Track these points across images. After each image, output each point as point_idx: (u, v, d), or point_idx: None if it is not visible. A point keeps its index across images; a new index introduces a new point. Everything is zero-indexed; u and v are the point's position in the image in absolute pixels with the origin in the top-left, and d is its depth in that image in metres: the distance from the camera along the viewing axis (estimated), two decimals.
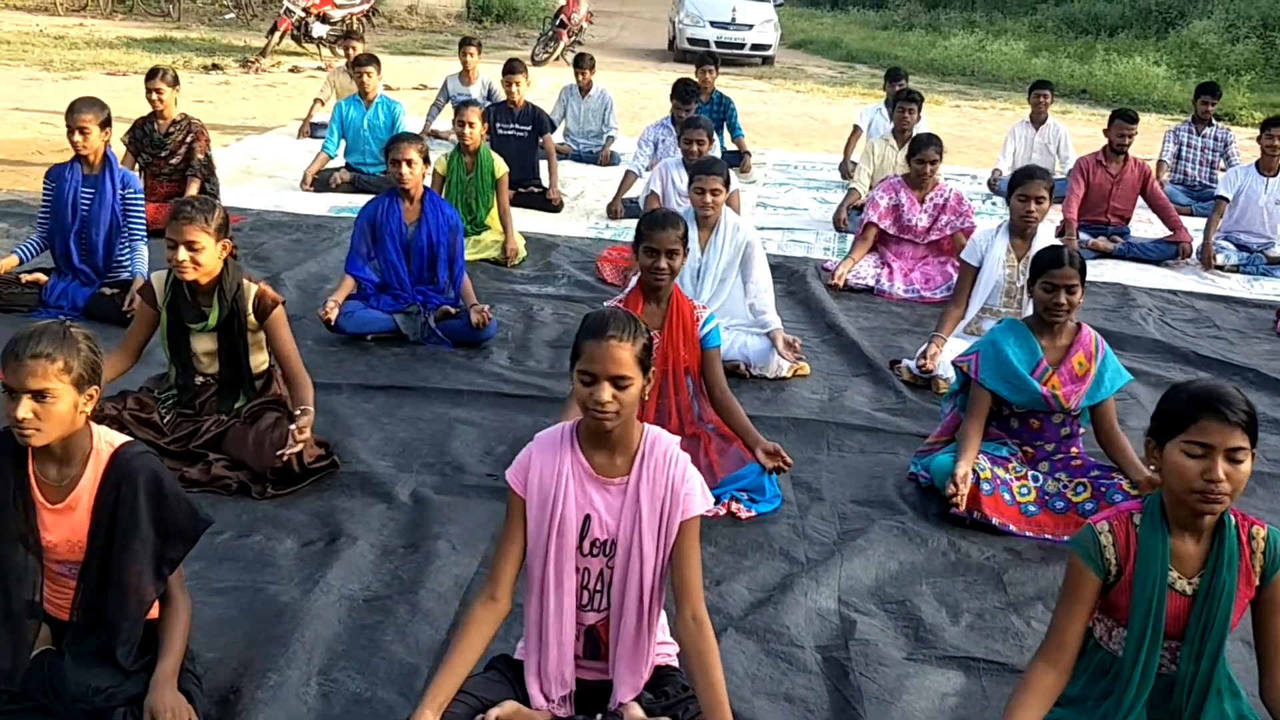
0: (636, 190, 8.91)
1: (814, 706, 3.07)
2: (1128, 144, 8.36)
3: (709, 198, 5.40)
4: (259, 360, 4.37)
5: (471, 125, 7.16)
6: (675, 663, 2.97)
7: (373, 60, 8.98)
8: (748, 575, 3.69)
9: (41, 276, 5.84)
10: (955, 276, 6.99)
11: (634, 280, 6.10)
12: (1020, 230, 5.58)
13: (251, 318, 4.22)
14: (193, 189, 7.29)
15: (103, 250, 5.81)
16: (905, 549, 3.93)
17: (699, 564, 2.76)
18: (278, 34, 16.41)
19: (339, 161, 9.15)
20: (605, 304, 4.39)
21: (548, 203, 8.74)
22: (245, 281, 4.24)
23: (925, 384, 5.51)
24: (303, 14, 16.60)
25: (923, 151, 7.04)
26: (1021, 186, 5.50)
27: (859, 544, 3.90)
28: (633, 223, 8.39)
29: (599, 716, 2.80)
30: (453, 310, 5.71)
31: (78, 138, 5.69)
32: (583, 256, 7.50)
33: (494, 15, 25.56)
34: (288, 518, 3.87)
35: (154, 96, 7.26)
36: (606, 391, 2.62)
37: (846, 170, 10.60)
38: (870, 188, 8.72)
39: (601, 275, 7.08)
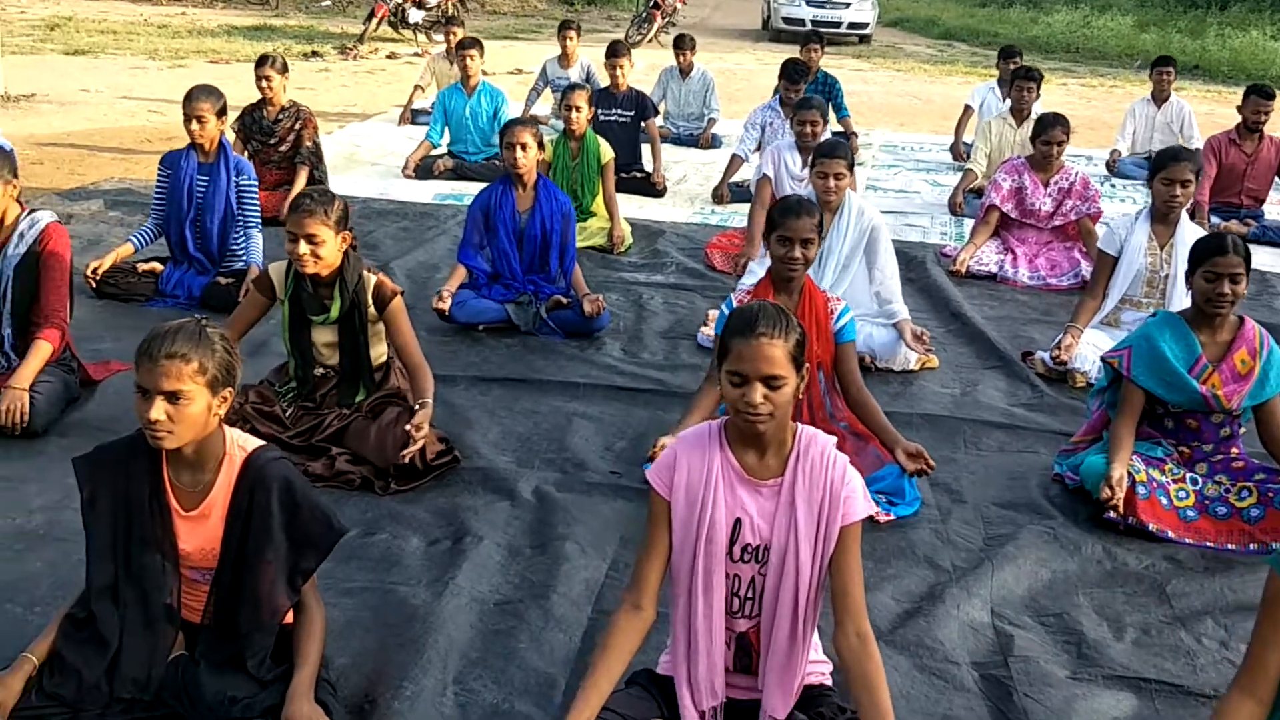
0: (743, 174, 8.74)
1: None
2: (1264, 121, 7.95)
3: (832, 181, 5.20)
4: (378, 352, 4.29)
5: (578, 110, 7.02)
6: (829, 682, 2.81)
7: (475, 44, 8.88)
8: (892, 584, 3.50)
9: (157, 265, 5.84)
10: (1082, 263, 6.75)
11: (749, 269, 5.96)
12: (1163, 216, 5.28)
13: (371, 309, 4.14)
14: (301, 176, 7.29)
15: (217, 238, 5.79)
16: (1057, 557, 3.70)
17: (860, 574, 2.59)
18: (375, 20, 16.47)
19: (441, 149, 9.09)
20: (732, 296, 4.23)
21: (651, 187, 8.59)
22: (365, 273, 4.16)
23: (1060, 378, 5.25)
24: (400, 0, 16.62)
25: (1048, 132, 6.73)
26: (1165, 170, 5.20)
27: (1008, 550, 3.68)
28: (739, 208, 8.32)
29: None
30: (564, 300, 5.59)
31: (195, 126, 5.67)
32: (690, 243, 7.33)
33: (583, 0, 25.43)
34: (412, 515, 3.77)
35: (263, 84, 7.25)
36: (759, 392, 2.46)
37: (958, 151, 10.28)
38: (987, 169, 8.44)
39: (711, 262, 6.90)
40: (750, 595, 2.64)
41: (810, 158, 6.74)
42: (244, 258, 5.85)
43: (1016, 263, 6.88)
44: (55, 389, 4.30)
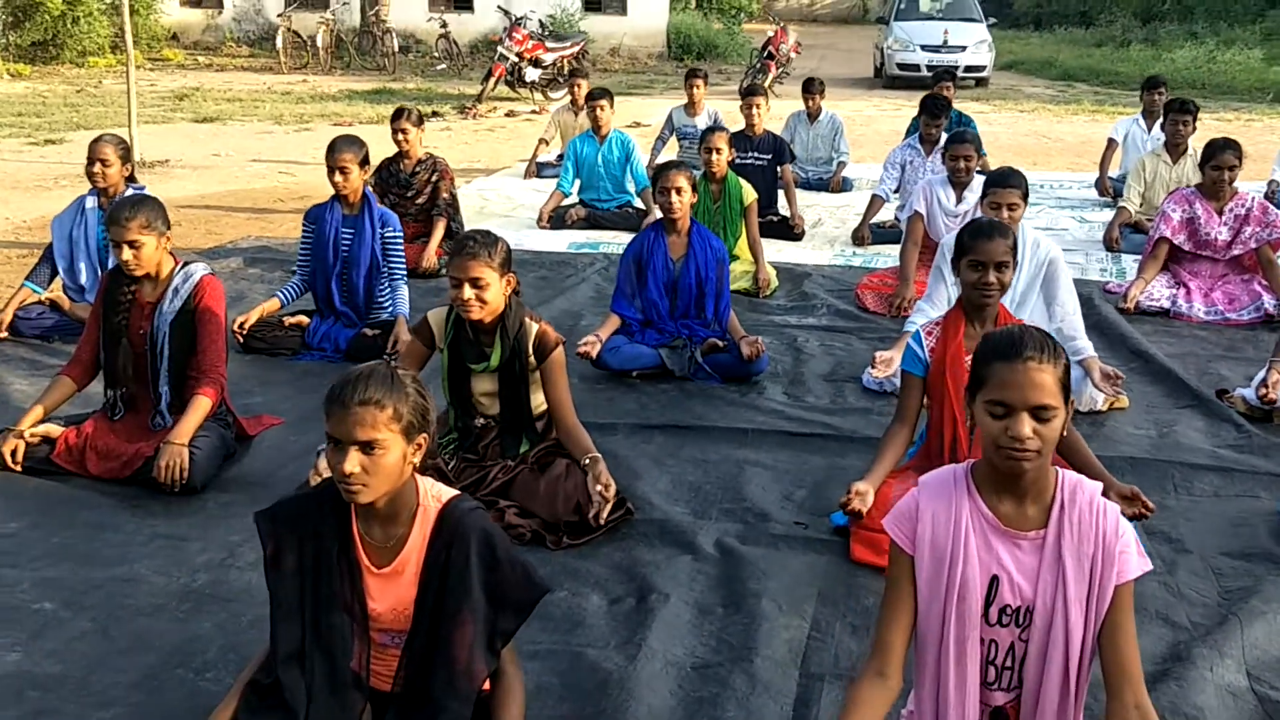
0: (883, 215, 8.45)
1: None
2: None
3: (1005, 212, 4.89)
4: (538, 401, 4.08)
5: (719, 151, 6.82)
6: None
7: (605, 94, 8.78)
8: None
9: (304, 319, 5.76)
10: (1264, 296, 6.33)
11: (918, 307, 5.65)
12: None
13: (532, 358, 3.94)
14: (439, 228, 7.23)
15: (364, 291, 5.69)
16: None
17: (1135, 639, 2.26)
18: (493, 80, 16.61)
19: (573, 199, 8.98)
20: (919, 329, 3.94)
21: (789, 230, 8.35)
22: (527, 320, 3.97)
23: (1266, 416, 4.83)
24: (516, 59, 16.77)
25: (1219, 156, 6.33)
26: None
27: (1254, 605, 3.30)
28: (881, 249, 8.02)
29: None
30: (720, 344, 5.34)
31: (338, 178, 5.59)
32: (837, 285, 7.05)
33: (694, 53, 25.47)
34: (589, 570, 3.54)
35: (399, 136, 7.22)
36: (1027, 425, 2.17)
37: (1104, 186, 9.83)
38: (1141, 206, 8.03)
39: (863, 304, 6.60)
40: (1009, 664, 2.33)
41: (962, 192, 6.49)
42: (390, 309, 5.74)
43: (1191, 297, 6.45)
44: (213, 444, 4.18)
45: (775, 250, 7.81)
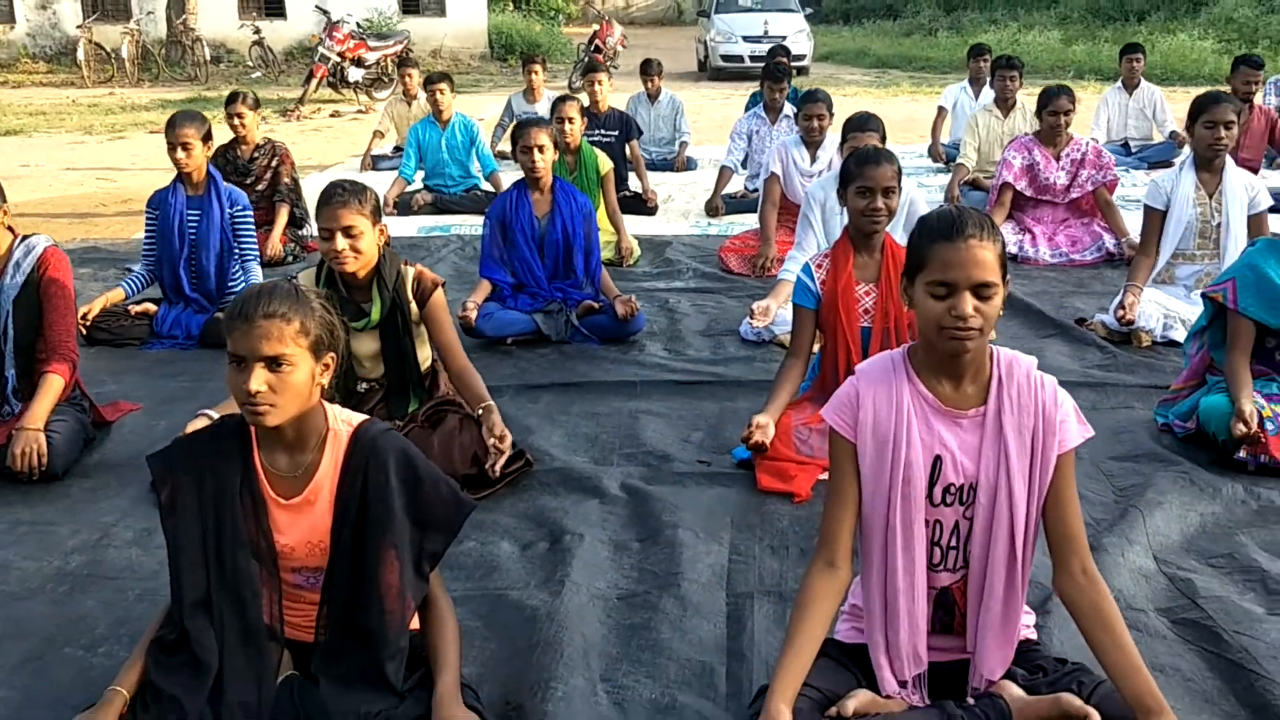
0: (733, 186, 8.52)
1: (1192, 674, 2.57)
2: (1254, 91, 7.89)
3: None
4: (424, 356, 3.94)
5: (571, 121, 6.72)
6: (1034, 636, 2.49)
7: (445, 78, 8.59)
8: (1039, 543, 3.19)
9: (151, 307, 5.42)
10: (1104, 237, 6.59)
11: (790, 256, 5.67)
12: (1208, 162, 5.08)
13: (414, 306, 3.79)
14: (282, 215, 6.94)
15: (215, 275, 5.39)
16: (1200, 500, 3.43)
17: (1079, 507, 2.28)
18: (315, 81, 16.12)
19: (416, 184, 8.77)
20: (809, 262, 3.93)
21: (642, 205, 8.32)
22: (402, 266, 3.82)
23: (1124, 339, 5.02)
24: (338, 59, 16.32)
25: (1054, 102, 6.57)
26: (1207, 113, 5.01)
27: (1150, 497, 3.41)
28: (735, 219, 8.06)
29: (970, 699, 2.31)
30: (596, 305, 5.26)
31: (180, 155, 5.28)
32: (699, 251, 7.05)
33: (517, 53, 25.30)
34: (495, 521, 3.40)
35: (235, 121, 6.91)
36: (968, 303, 2.15)
37: (937, 153, 10.14)
38: (978, 162, 8.29)
39: (727, 266, 6.61)
40: (954, 544, 2.31)
41: (816, 151, 6.58)
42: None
43: (1036, 242, 6.69)
44: (72, 428, 3.88)
45: (631, 225, 7.75)
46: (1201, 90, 5.30)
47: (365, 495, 2.34)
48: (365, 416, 2.45)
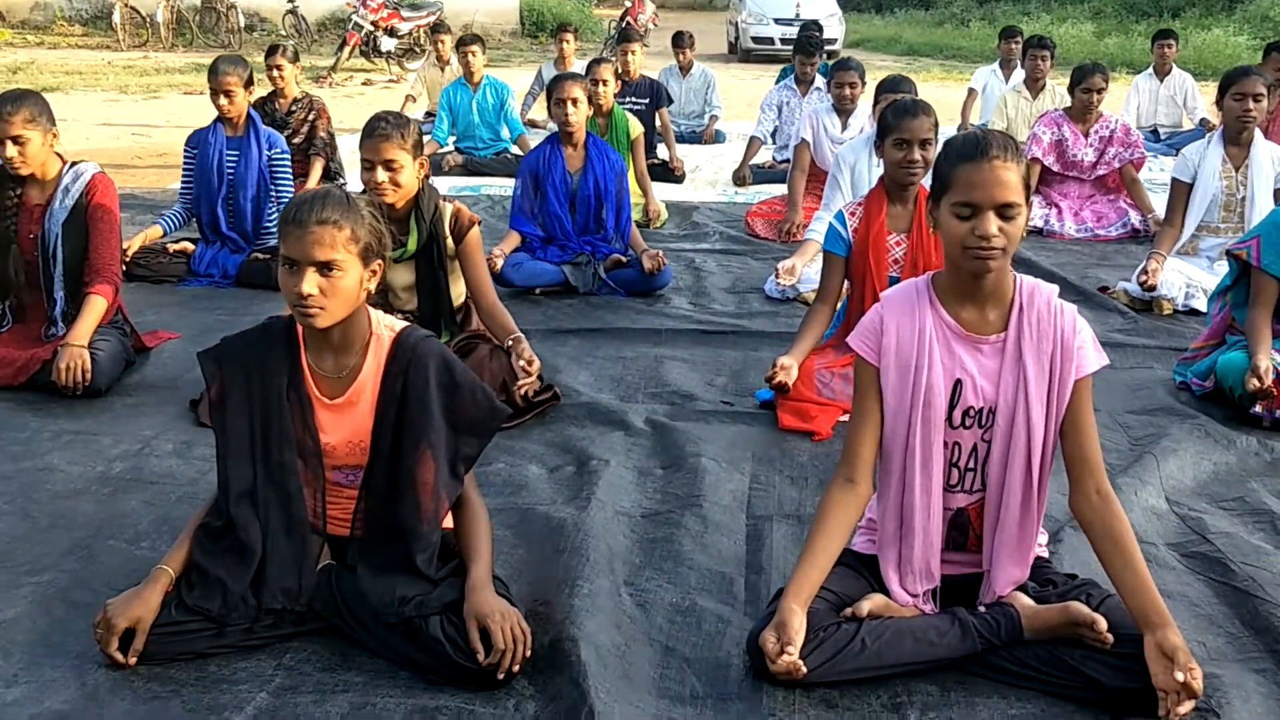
0: (761, 156, 8.58)
1: (1198, 600, 2.65)
2: None
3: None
4: (458, 291, 4.04)
5: (605, 83, 6.80)
6: (1045, 553, 2.57)
7: (476, 39, 8.69)
8: (1055, 480, 3.26)
9: (189, 245, 5.54)
10: (1130, 213, 6.62)
11: (816, 216, 5.74)
12: (1235, 135, 5.12)
13: (450, 241, 3.88)
14: (316, 168, 7.03)
15: (251, 215, 5.51)
16: (1214, 450, 3.50)
17: (1095, 430, 2.36)
18: (347, 49, 16.23)
19: (448, 147, 8.86)
20: (842, 210, 4.00)
21: (670, 173, 8.39)
22: (441, 201, 3.91)
23: (1146, 306, 5.08)
24: (371, 28, 16.42)
25: (1089, 79, 6.61)
26: (1236, 85, 5.05)
27: (1165, 445, 3.48)
28: (762, 188, 8.12)
29: (981, 608, 2.39)
30: (623, 259, 5.34)
31: (223, 100, 5.40)
32: (726, 217, 7.11)
33: (549, 30, 25.34)
34: (523, 447, 3.50)
35: (274, 74, 7.01)
36: (994, 223, 2.22)
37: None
38: None
39: (753, 230, 6.68)
40: (971, 466, 2.39)
41: (847, 119, 6.63)
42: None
43: (1062, 216, 6.73)
44: (114, 348, 4.00)
45: (659, 191, 7.81)
46: None
47: (405, 397, 2.43)
48: (407, 323, 2.55)
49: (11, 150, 3.88)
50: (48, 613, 2.50)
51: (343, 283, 2.35)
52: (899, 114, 3.83)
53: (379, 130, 3.71)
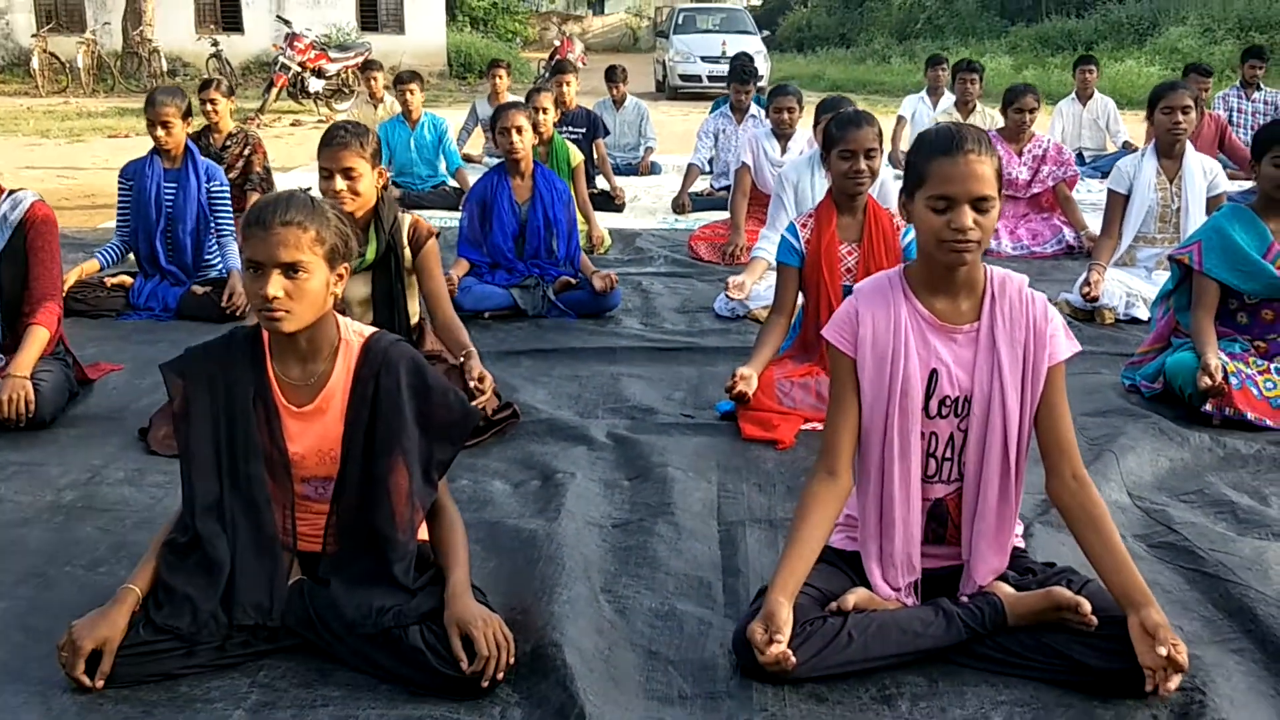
0: (700, 185, 8.64)
1: (1170, 587, 2.68)
2: (1204, 98, 8.14)
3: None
4: (414, 309, 3.99)
5: (545, 111, 6.81)
6: (1022, 543, 2.58)
7: (415, 77, 8.67)
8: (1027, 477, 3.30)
9: (127, 279, 5.42)
10: (1064, 230, 6.76)
11: (763, 234, 5.76)
12: (1168, 148, 5.27)
13: (407, 252, 3.85)
14: (253, 202, 6.91)
15: (191, 248, 5.40)
16: (1169, 447, 3.56)
17: (1069, 416, 2.38)
18: (274, 90, 16.13)
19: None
20: (794, 222, 4.03)
21: (610, 202, 8.40)
22: (400, 213, 3.88)
23: (1089, 316, 5.17)
24: (299, 69, 16.33)
25: (1020, 100, 6.76)
26: (1165, 99, 5.20)
27: (1123, 443, 3.53)
28: (702, 215, 8.16)
29: (964, 598, 2.39)
30: (573, 280, 5.33)
31: (160, 132, 5.31)
32: (669, 242, 7.14)
33: (477, 72, 25.41)
34: (485, 464, 3.46)
35: (209, 108, 6.90)
36: (968, 215, 2.24)
37: (897, 160, 10.30)
38: None
39: (697, 254, 6.71)
40: (949, 455, 2.40)
41: (786, 144, 6.71)
42: (219, 266, 5.48)
43: (998, 235, 6.84)
44: (58, 378, 3.89)
45: (600, 219, 7.81)
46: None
47: (376, 403, 2.38)
48: (376, 328, 2.51)
49: None
50: (5, 640, 2.41)
51: (309, 285, 2.30)
52: (843, 126, 3.88)
53: (338, 138, 3.67)
